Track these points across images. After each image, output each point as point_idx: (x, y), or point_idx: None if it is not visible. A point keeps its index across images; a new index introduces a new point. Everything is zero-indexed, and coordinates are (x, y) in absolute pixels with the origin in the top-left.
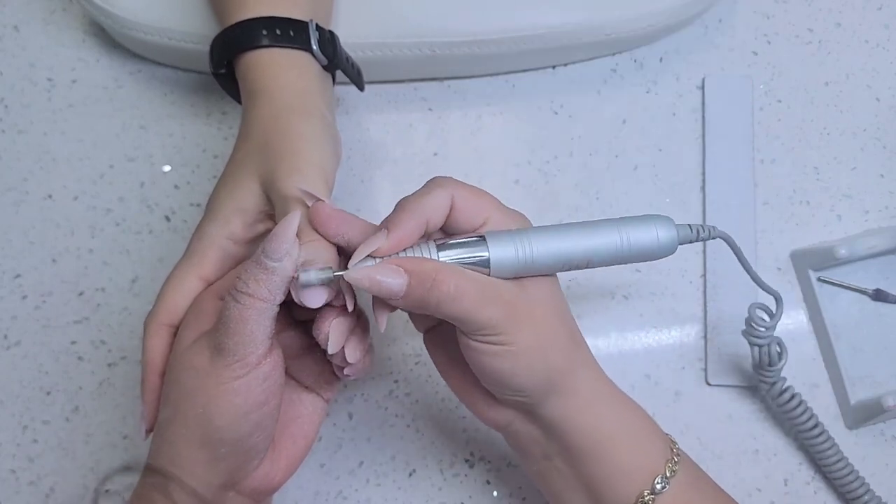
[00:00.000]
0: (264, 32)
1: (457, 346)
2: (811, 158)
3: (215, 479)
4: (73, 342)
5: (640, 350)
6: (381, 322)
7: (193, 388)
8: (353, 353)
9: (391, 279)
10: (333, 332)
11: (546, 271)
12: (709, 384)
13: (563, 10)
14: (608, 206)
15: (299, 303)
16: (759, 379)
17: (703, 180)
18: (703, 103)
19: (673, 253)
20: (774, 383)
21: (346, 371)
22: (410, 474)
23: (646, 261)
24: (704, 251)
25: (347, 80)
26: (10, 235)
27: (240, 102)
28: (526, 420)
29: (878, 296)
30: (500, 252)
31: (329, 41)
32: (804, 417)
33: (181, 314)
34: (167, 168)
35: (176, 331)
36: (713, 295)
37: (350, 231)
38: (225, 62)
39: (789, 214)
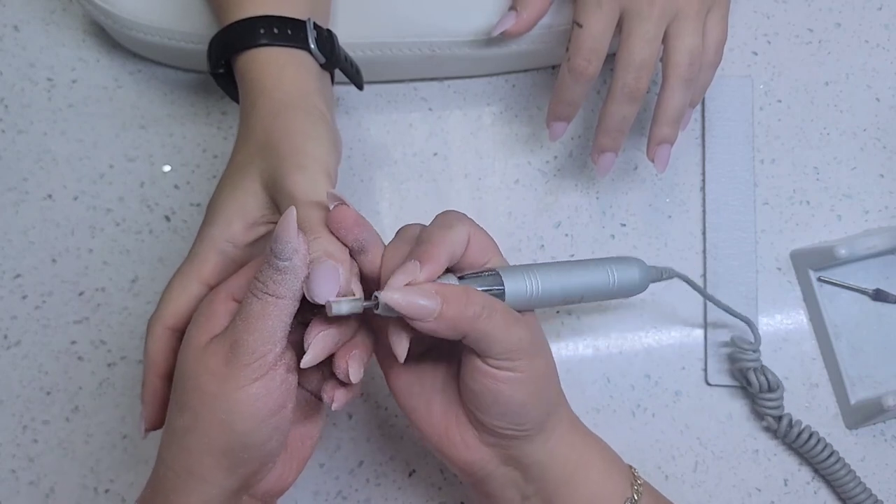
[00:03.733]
0: (262, 31)
1: (431, 386)
2: (811, 158)
3: (233, 484)
4: (73, 342)
5: (640, 350)
6: (402, 350)
7: (214, 394)
8: (356, 373)
9: (427, 301)
10: (316, 343)
11: (545, 306)
12: (709, 384)
13: (563, 10)
14: (608, 206)
15: (310, 298)
16: (764, 412)
17: (703, 180)
18: (703, 103)
19: (643, 291)
20: (780, 417)
21: (335, 402)
22: (410, 474)
23: (623, 297)
24: (704, 251)
25: (347, 80)
26: (10, 235)
27: (238, 102)
28: (502, 462)
29: (878, 296)
30: (514, 285)
31: (327, 40)
32: (818, 448)
33: (183, 317)
34: (167, 168)
35: (178, 334)
36: (713, 295)
37: (367, 236)
38: (223, 62)
39: (789, 214)
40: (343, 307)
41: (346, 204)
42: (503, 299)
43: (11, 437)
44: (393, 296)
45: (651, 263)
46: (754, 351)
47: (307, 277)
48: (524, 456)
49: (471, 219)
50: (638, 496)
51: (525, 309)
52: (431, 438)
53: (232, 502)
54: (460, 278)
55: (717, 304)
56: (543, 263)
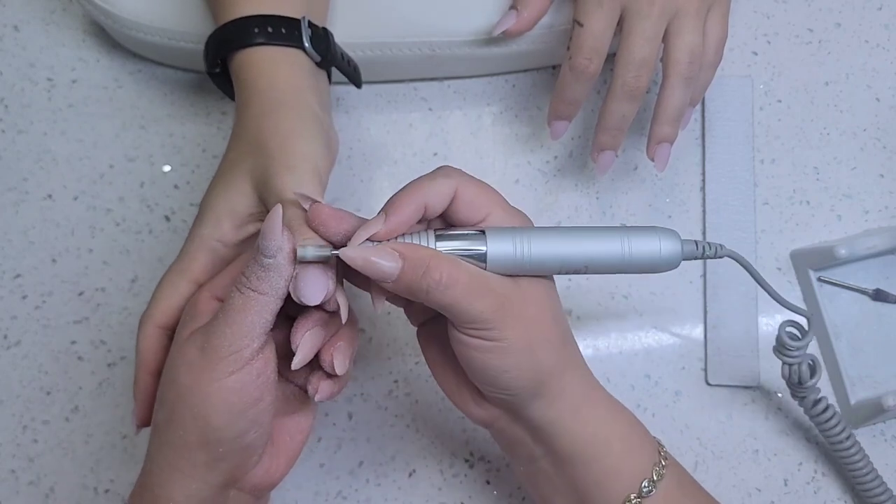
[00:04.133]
0: (256, 30)
1: (448, 340)
2: (811, 158)
3: (216, 478)
4: (73, 342)
5: (640, 350)
6: (378, 305)
7: (188, 386)
8: (341, 365)
9: (385, 261)
10: (304, 344)
11: (542, 272)
12: (709, 384)
13: (563, 9)
14: (608, 206)
15: (297, 300)
16: (791, 392)
17: (703, 180)
18: (703, 103)
19: (675, 268)
20: (805, 397)
21: (318, 394)
22: (410, 474)
23: (646, 273)
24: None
25: (346, 79)
26: (10, 235)
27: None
28: (512, 420)
29: (878, 296)
30: (497, 248)
31: (322, 38)
32: (838, 429)
33: (173, 316)
34: (167, 168)
35: (169, 332)
36: (713, 295)
37: (350, 228)
38: (219, 61)
39: (789, 214)
40: (308, 252)
41: (318, 202)
42: (484, 262)
43: (11, 437)
44: (347, 253)
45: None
46: (800, 348)
47: (294, 278)
48: (528, 419)
49: (465, 173)
50: (658, 477)
51: (514, 274)
52: (447, 392)
53: (219, 496)
54: (438, 236)
55: (772, 293)
56: (547, 227)
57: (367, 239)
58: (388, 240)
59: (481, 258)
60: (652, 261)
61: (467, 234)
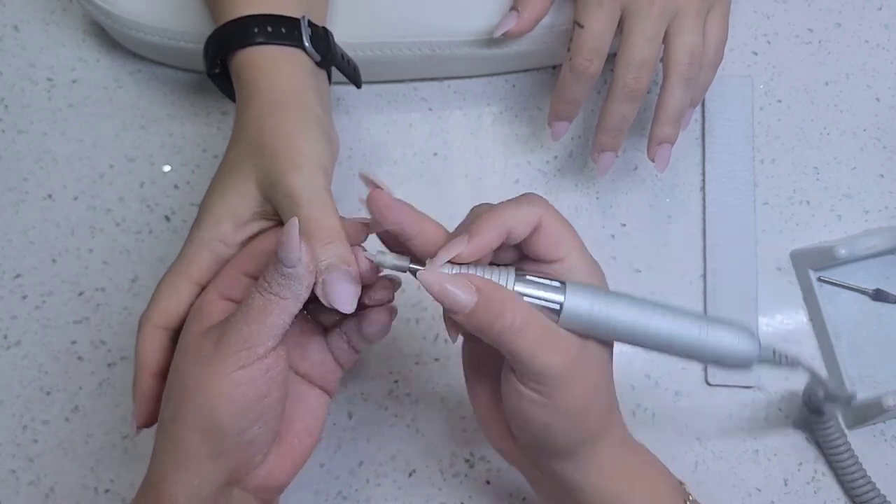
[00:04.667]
0: (256, 30)
1: (493, 369)
2: (811, 158)
3: (219, 474)
4: (73, 342)
5: (640, 350)
6: (455, 336)
7: (196, 378)
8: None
9: (461, 293)
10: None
11: (612, 339)
12: (709, 384)
13: (564, 10)
14: (608, 207)
15: (328, 305)
16: (814, 422)
17: (703, 180)
18: (703, 103)
19: (747, 368)
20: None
21: (373, 325)
22: (410, 474)
23: (716, 366)
24: (704, 251)
25: (346, 79)
26: (10, 235)
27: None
28: (534, 467)
29: (878, 296)
30: (574, 304)
31: (322, 38)
32: (845, 456)
33: (174, 317)
34: (167, 168)
35: (168, 332)
36: (713, 295)
37: (406, 220)
38: (219, 61)
39: (789, 214)
40: (387, 261)
41: (381, 188)
42: (557, 315)
43: (11, 437)
44: (426, 276)
45: (654, 267)
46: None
47: (324, 284)
48: (554, 473)
49: (550, 204)
50: None
51: (585, 334)
52: (478, 418)
53: (220, 495)
54: (518, 277)
55: (824, 385)
56: (625, 294)
57: (448, 261)
58: (468, 264)
59: (555, 311)
60: (725, 355)
61: (547, 283)
